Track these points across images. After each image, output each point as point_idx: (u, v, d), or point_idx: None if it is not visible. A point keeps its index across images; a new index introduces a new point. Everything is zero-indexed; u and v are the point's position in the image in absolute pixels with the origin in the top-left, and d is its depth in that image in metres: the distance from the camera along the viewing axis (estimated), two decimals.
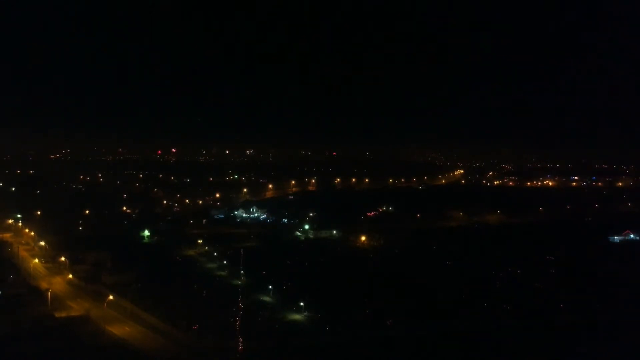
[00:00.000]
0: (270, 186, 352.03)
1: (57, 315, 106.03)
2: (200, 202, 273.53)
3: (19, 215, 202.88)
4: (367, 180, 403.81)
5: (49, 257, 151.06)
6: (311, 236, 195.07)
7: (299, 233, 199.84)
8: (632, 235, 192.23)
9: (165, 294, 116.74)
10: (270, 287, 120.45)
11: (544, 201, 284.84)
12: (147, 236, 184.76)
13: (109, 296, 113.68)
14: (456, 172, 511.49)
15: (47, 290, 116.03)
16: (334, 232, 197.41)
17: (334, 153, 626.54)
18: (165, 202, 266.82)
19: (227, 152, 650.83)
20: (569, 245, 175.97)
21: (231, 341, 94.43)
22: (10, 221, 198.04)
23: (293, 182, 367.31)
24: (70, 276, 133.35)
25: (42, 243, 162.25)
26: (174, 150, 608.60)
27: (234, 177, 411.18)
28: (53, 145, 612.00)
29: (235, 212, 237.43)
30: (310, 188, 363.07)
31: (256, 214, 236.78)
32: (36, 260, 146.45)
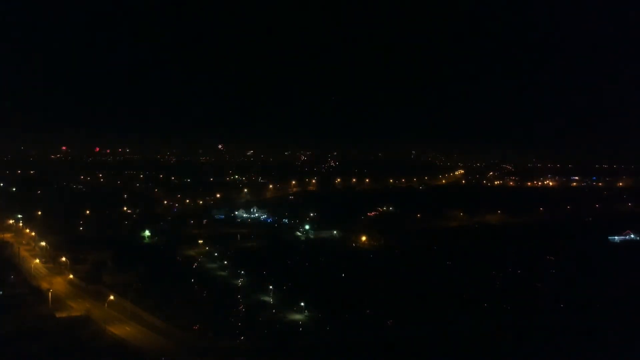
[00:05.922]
0: (271, 186, 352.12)
1: (57, 315, 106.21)
2: (201, 202, 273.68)
3: (19, 216, 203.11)
4: (367, 180, 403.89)
5: (49, 257, 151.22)
6: (311, 236, 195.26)
7: (299, 233, 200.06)
8: (632, 235, 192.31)
9: (166, 294, 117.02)
10: (270, 287, 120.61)
11: (544, 201, 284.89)
12: (148, 236, 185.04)
13: (109, 296, 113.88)
14: (456, 172, 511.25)
15: (48, 290, 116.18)
16: (334, 232, 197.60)
17: (329, 156, 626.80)
18: (165, 202, 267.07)
19: (226, 153, 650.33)
20: (569, 245, 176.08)
21: (232, 341, 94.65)
22: (11, 221, 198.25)
23: (293, 182, 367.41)
24: (71, 276, 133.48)
25: (43, 243, 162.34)
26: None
27: (234, 177, 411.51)
28: (53, 145, 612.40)
29: (236, 212, 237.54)
30: (311, 188, 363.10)
31: (256, 214, 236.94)
32: (37, 261, 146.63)
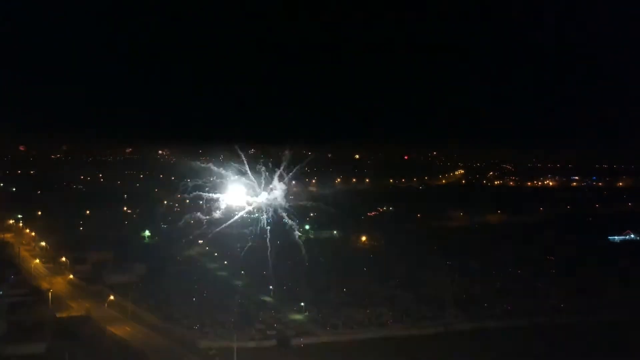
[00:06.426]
0: (271, 186, 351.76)
1: (58, 315, 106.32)
2: (201, 202, 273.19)
3: (19, 216, 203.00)
4: (367, 180, 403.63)
5: (49, 257, 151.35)
6: (311, 236, 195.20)
7: (299, 233, 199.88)
8: (632, 235, 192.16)
9: (166, 294, 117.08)
10: (270, 287, 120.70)
11: (544, 201, 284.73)
12: (148, 236, 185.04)
13: (109, 296, 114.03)
14: (456, 172, 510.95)
15: (48, 290, 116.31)
16: (334, 232, 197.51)
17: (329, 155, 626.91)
18: (165, 202, 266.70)
19: (225, 153, 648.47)
20: (569, 245, 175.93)
21: (232, 341, 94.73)
22: (11, 221, 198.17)
23: (294, 182, 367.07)
24: (71, 276, 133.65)
25: (43, 243, 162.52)
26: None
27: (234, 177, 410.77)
28: (53, 145, 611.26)
29: (236, 212, 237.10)
30: (311, 188, 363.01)
31: (257, 214, 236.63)
32: (37, 261, 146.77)
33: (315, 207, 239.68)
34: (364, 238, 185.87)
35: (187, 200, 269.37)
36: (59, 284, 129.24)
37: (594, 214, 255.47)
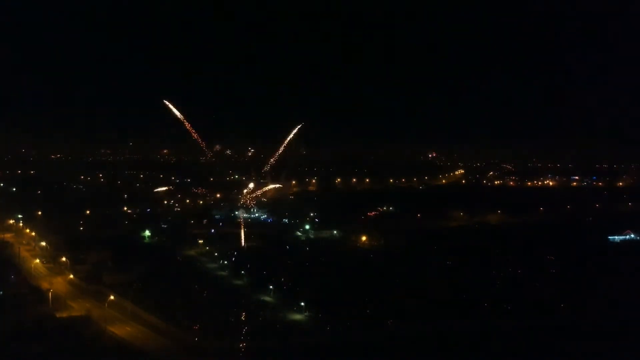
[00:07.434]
0: (271, 186, 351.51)
1: (58, 315, 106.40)
2: (201, 202, 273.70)
3: (19, 216, 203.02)
4: (367, 180, 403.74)
5: (49, 257, 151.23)
6: (312, 236, 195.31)
7: (299, 233, 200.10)
8: (632, 235, 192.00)
9: (166, 294, 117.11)
10: (270, 287, 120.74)
11: (544, 201, 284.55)
12: (148, 236, 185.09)
13: (110, 296, 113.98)
14: (456, 172, 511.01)
15: (48, 290, 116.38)
16: (334, 232, 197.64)
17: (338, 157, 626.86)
18: (165, 202, 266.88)
19: (228, 152, 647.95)
20: (569, 245, 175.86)
21: (232, 341, 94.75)
22: (11, 221, 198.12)
23: (293, 182, 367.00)
24: (71, 276, 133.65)
25: (43, 243, 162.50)
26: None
27: (234, 177, 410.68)
28: (53, 145, 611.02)
29: (236, 212, 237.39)
30: (311, 188, 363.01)
31: (257, 214, 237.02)
32: (37, 261, 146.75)
33: (314, 206, 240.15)
34: (364, 238, 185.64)
35: (187, 200, 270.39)
36: (59, 284, 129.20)
37: (594, 214, 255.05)
